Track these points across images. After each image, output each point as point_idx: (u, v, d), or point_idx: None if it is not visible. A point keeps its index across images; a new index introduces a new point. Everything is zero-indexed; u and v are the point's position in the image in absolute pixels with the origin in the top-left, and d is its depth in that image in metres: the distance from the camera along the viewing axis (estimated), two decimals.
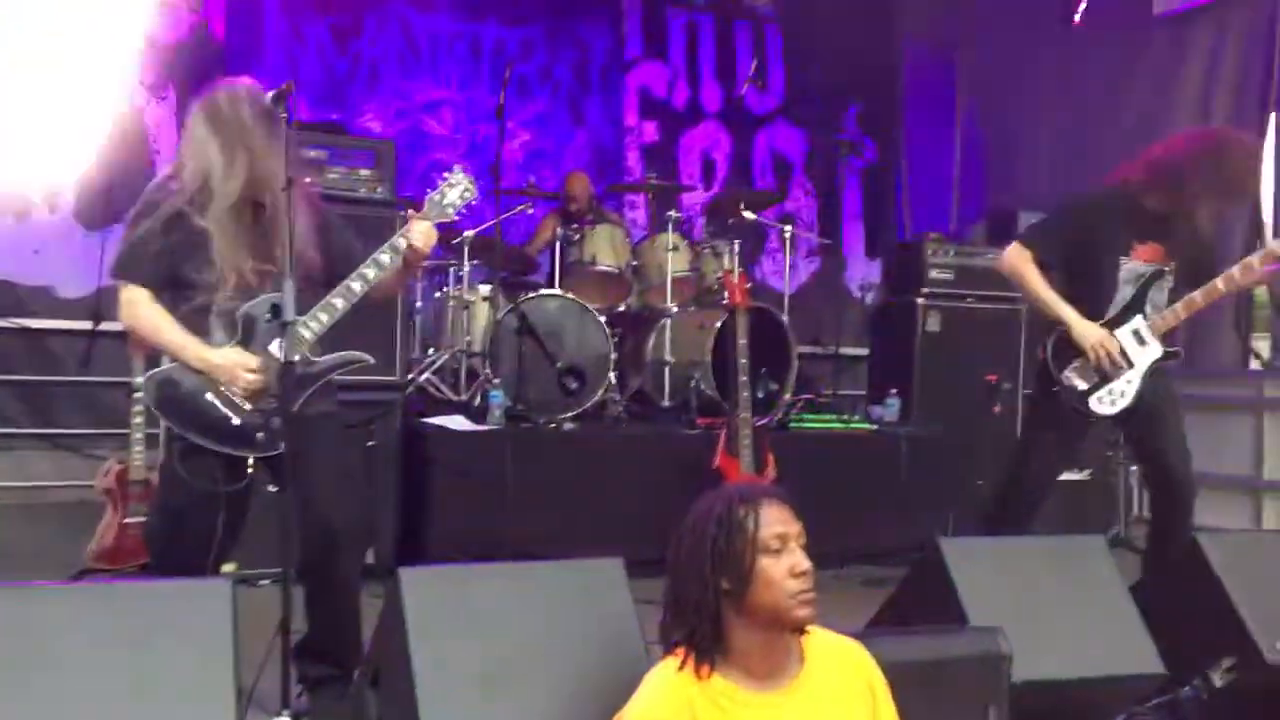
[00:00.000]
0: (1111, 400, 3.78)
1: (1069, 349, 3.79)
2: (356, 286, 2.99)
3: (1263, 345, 6.08)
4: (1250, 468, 5.84)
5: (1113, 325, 3.79)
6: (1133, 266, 3.81)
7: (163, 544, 3.08)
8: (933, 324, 6.24)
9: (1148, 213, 3.77)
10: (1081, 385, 3.78)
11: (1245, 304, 6.03)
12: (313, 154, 4.88)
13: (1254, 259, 3.73)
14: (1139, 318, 3.80)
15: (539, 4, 7.20)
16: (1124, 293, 3.81)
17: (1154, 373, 3.81)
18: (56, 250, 6.16)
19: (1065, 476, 5.60)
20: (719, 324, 5.41)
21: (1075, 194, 3.97)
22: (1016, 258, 3.86)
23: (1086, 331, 3.75)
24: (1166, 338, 3.82)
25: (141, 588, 2.68)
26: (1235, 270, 3.73)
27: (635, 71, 7.72)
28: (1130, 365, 3.78)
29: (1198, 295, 3.76)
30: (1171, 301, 3.81)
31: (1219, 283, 3.73)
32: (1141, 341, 3.80)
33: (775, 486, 2.80)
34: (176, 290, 2.94)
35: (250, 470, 2.92)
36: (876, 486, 5.39)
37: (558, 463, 5.01)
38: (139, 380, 4.18)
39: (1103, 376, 3.77)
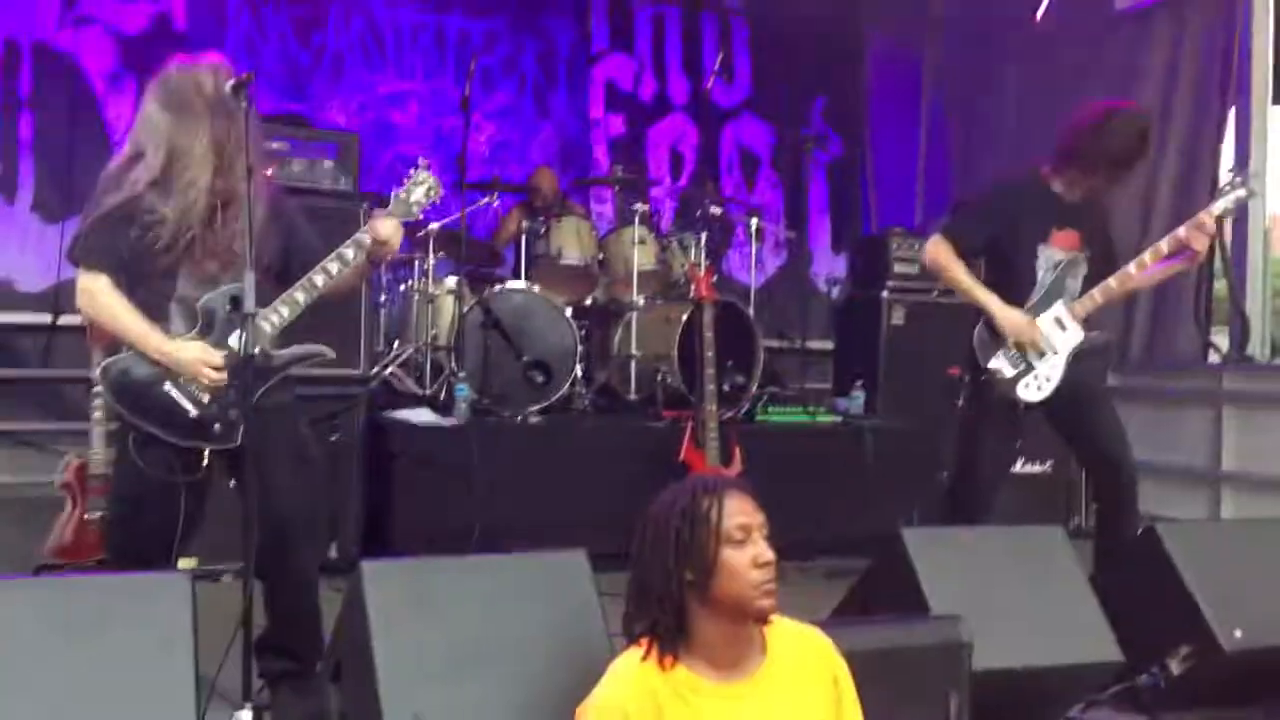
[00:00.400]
0: (1039, 386, 3.86)
1: (994, 337, 3.85)
2: (319, 281, 2.97)
3: (1222, 339, 6.15)
4: (1209, 459, 5.91)
5: (1034, 312, 3.87)
6: (1050, 254, 3.91)
7: (120, 537, 3.06)
8: (897, 317, 6.28)
9: (1061, 200, 3.90)
10: (1008, 372, 3.84)
11: (1205, 297, 6.10)
12: (275, 145, 4.84)
13: (1162, 243, 3.83)
14: (1059, 303, 3.89)
15: None
16: (1043, 280, 3.90)
17: (1078, 358, 3.88)
18: (14, 243, 6.07)
19: (1027, 469, 5.69)
20: (685, 317, 5.41)
21: (993, 186, 4.09)
22: (939, 249, 3.94)
23: (1010, 317, 3.83)
24: (1087, 322, 3.90)
25: (100, 581, 2.66)
26: (1146, 254, 3.83)
27: (602, 64, 7.70)
28: (1055, 351, 3.86)
29: (1113, 280, 3.86)
30: (1087, 288, 3.90)
31: (1131, 267, 3.84)
32: (1063, 327, 3.89)
33: (738, 478, 2.81)
34: (135, 277, 2.89)
35: (206, 462, 2.89)
36: (841, 479, 5.42)
37: (523, 456, 5.01)
38: (98, 373, 4.13)
39: (1028, 363, 3.83)
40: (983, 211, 4.07)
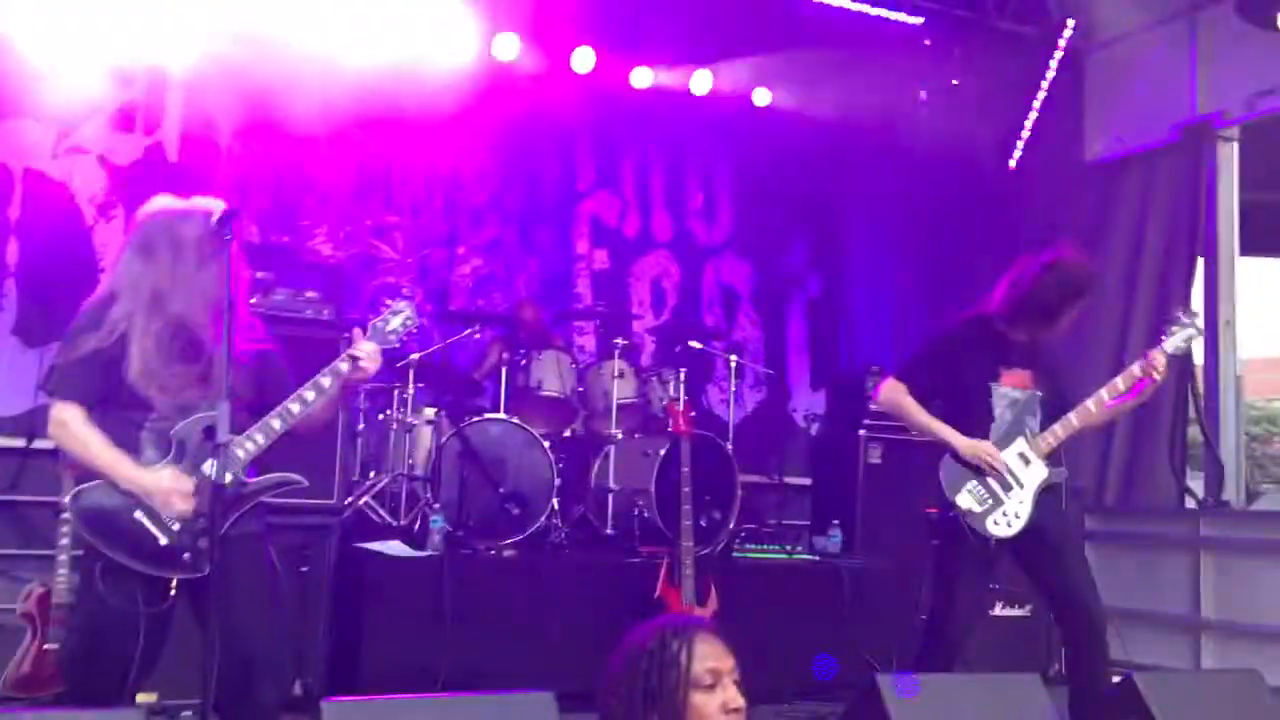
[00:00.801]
0: (1007, 522, 3.86)
1: (959, 473, 3.88)
2: (295, 409, 2.98)
3: (1197, 485, 6.17)
4: (1188, 606, 5.87)
5: (998, 448, 3.90)
6: (1006, 392, 3.98)
7: (79, 669, 2.98)
8: (874, 456, 6.29)
9: (1007, 339, 3.99)
10: (976, 508, 3.84)
11: (1180, 443, 6.14)
12: (260, 275, 4.89)
13: (1119, 380, 3.93)
14: (1021, 440, 3.94)
15: (490, 132, 7.29)
16: (1002, 416, 3.96)
17: (1046, 495, 3.92)
18: None
19: (1006, 613, 5.63)
20: (663, 452, 5.41)
21: (944, 328, 4.25)
22: (892, 391, 4.03)
23: (968, 443, 3.87)
24: (1051, 458, 3.95)
25: (52, 717, 2.58)
26: (1104, 391, 3.92)
27: (587, 200, 7.84)
28: (1020, 485, 3.88)
29: (1074, 417, 3.94)
30: (1045, 425, 3.96)
31: (1090, 404, 3.93)
32: (1027, 461, 3.93)
33: (709, 620, 2.78)
34: (109, 407, 2.90)
35: (173, 592, 2.84)
36: (818, 620, 5.35)
37: (497, 591, 4.94)
38: (68, 500, 4.09)
39: (995, 497, 3.83)
40: (932, 353, 4.18)
